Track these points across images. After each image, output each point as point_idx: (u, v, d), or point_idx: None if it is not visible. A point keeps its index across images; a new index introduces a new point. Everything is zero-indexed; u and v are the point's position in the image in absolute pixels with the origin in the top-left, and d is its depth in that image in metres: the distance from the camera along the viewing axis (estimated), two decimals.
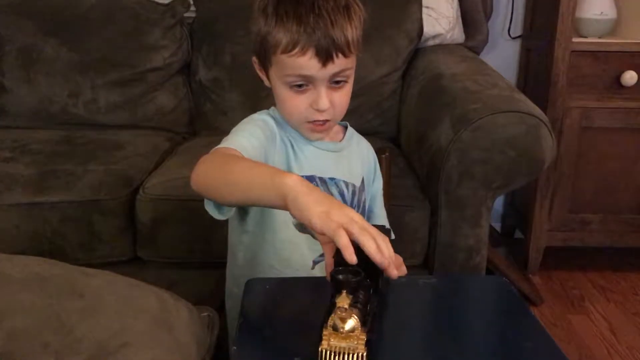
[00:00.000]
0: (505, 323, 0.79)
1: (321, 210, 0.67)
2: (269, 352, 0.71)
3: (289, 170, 0.95)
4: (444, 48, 1.95)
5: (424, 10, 1.93)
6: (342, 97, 0.93)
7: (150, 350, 0.76)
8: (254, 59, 0.97)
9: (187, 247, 1.44)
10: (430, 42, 1.97)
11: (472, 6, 2.03)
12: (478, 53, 2.04)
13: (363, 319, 0.62)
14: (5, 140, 1.72)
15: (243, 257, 1.02)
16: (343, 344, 0.60)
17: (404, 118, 1.83)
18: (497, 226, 2.36)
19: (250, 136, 0.91)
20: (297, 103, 0.92)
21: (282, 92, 0.92)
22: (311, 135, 0.97)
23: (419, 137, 1.54)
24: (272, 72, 0.92)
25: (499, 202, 2.32)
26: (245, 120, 0.97)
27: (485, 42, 2.07)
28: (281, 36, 0.87)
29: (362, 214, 1.03)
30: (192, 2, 2.00)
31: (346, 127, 1.06)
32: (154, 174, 1.54)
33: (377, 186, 1.10)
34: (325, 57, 0.86)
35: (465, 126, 1.32)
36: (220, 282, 1.12)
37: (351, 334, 0.60)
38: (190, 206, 1.33)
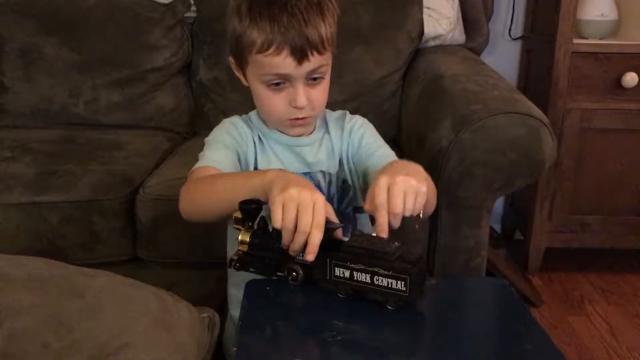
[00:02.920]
0: (505, 324, 0.79)
1: (281, 187, 0.75)
2: (269, 353, 0.71)
3: (255, 168, 1.00)
4: (445, 49, 1.94)
5: (425, 11, 1.93)
6: (319, 93, 0.94)
7: (150, 350, 0.76)
8: (231, 59, 0.98)
9: (187, 247, 1.44)
10: (431, 43, 1.97)
11: (473, 7, 2.03)
12: (479, 54, 2.04)
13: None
14: (6, 140, 1.72)
15: None
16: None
17: (404, 119, 1.83)
18: (497, 227, 2.35)
19: (223, 147, 0.96)
20: (275, 102, 0.93)
21: (260, 92, 0.94)
22: (292, 131, 0.99)
23: (419, 138, 1.54)
24: (249, 71, 0.94)
25: (499, 203, 2.32)
26: (217, 127, 1.02)
27: (486, 43, 2.07)
28: (255, 36, 0.88)
29: (341, 195, 1.03)
30: (192, 2, 2.00)
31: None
32: (154, 173, 1.54)
33: (365, 145, 1.04)
34: (300, 55, 0.87)
35: (465, 127, 1.32)
36: (220, 282, 1.12)
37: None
38: None
